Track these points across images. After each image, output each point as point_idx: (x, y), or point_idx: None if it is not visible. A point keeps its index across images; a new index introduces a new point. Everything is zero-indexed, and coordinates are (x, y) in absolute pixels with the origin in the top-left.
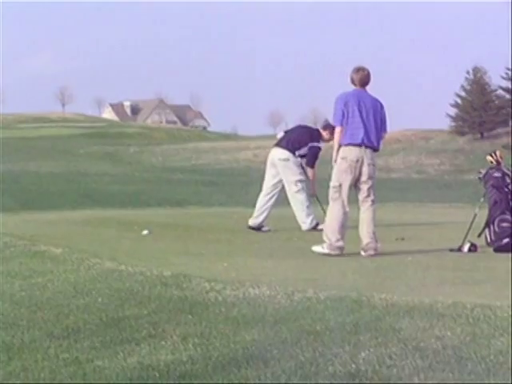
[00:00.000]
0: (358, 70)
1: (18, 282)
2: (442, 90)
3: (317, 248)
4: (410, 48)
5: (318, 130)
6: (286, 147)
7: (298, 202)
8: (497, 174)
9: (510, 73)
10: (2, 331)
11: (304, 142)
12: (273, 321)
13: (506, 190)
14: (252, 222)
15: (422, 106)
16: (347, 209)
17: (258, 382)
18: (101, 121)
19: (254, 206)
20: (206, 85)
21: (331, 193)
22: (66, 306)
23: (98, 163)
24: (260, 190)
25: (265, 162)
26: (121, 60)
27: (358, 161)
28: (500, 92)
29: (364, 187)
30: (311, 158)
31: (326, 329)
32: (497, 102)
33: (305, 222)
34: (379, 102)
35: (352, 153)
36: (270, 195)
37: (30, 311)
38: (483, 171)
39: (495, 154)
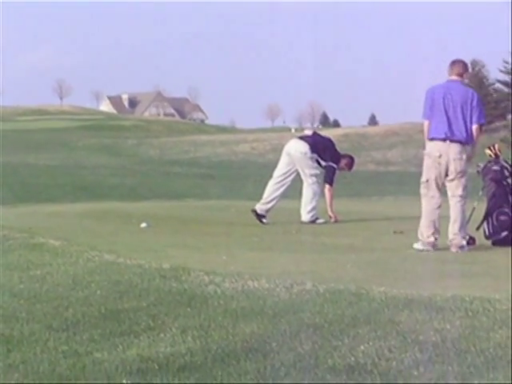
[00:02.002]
0: (454, 61)
1: (17, 275)
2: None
3: (416, 245)
4: (408, 42)
5: (340, 154)
6: (309, 143)
7: (310, 193)
8: (495, 168)
9: (508, 66)
10: (1, 324)
11: (324, 155)
12: (272, 313)
13: (505, 183)
14: (259, 207)
15: (420, 100)
16: (438, 205)
17: (257, 374)
18: (99, 113)
19: (252, 199)
20: (204, 78)
21: (421, 189)
22: (65, 299)
23: (96, 156)
24: (258, 183)
25: (262, 155)
26: (119, 53)
27: (441, 156)
28: (498, 85)
29: (452, 183)
30: (331, 176)
31: (325, 321)
32: (495, 96)
33: (307, 214)
34: (471, 92)
35: (435, 148)
36: (280, 184)
37: (28, 303)
38: (482, 164)
39: (494, 148)
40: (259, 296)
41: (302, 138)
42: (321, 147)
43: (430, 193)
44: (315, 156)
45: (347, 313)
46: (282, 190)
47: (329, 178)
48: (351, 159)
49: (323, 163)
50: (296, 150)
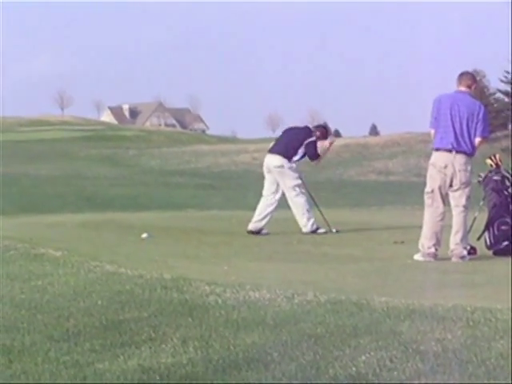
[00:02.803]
0: (463, 73)
1: (18, 285)
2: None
3: (416, 256)
4: (409, 51)
5: (308, 128)
6: (280, 153)
7: (297, 206)
8: (496, 177)
9: (508, 76)
10: (3, 334)
11: (298, 144)
12: (273, 324)
13: (506, 193)
14: (253, 226)
15: (421, 109)
16: (441, 216)
17: None
18: (100, 124)
19: (253, 209)
20: (205, 88)
21: (425, 199)
22: (66, 309)
23: (97, 166)
24: (259, 193)
25: (263, 165)
26: (120, 63)
27: (446, 166)
28: (499, 95)
29: (455, 194)
30: (313, 151)
31: (326, 332)
32: (496, 106)
33: (305, 225)
34: (479, 105)
35: (440, 158)
36: (272, 201)
37: (30, 314)
38: (483, 174)
39: (495, 158)
40: (260, 306)
41: (270, 151)
42: (288, 144)
43: (435, 203)
44: (294, 165)
45: (348, 323)
46: (274, 206)
47: (312, 154)
48: (324, 128)
49: (301, 150)
50: (274, 166)
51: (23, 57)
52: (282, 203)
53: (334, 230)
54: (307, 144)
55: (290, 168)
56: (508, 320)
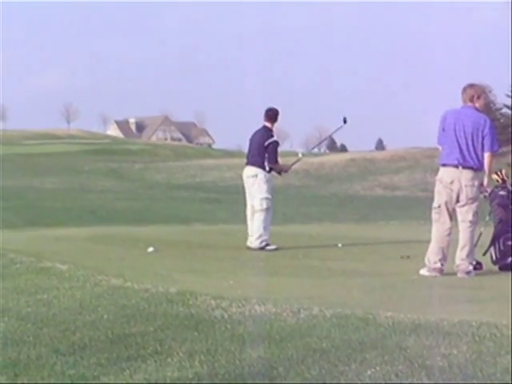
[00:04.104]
0: (465, 87)
1: (24, 299)
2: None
3: (422, 271)
4: (416, 65)
5: (265, 126)
6: (252, 163)
7: (257, 220)
8: (502, 193)
9: None
10: (9, 347)
11: (262, 147)
12: (279, 338)
13: None
14: (255, 245)
15: (427, 124)
16: (448, 231)
17: None
18: (106, 137)
19: None
20: (211, 102)
21: (432, 214)
22: (72, 323)
23: (103, 180)
24: None
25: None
26: (126, 77)
27: (452, 182)
28: (505, 110)
29: (462, 209)
30: (272, 156)
31: (331, 346)
32: (502, 121)
33: (255, 241)
34: (484, 119)
35: (447, 174)
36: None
37: (35, 327)
38: (489, 190)
39: (501, 173)
40: (266, 321)
41: (247, 161)
42: (255, 151)
43: (442, 218)
44: (267, 175)
45: (354, 338)
46: (269, 219)
47: (271, 159)
48: (270, 111)
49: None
50: (247, 176)
51: (30, 70)
52: (286, 218)
53: (339, 245)
54: (267, 146)
55: (263, 179)
56: None
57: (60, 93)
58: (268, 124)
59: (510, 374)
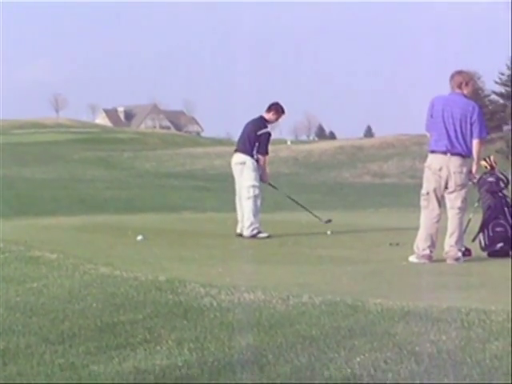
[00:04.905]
0: (453, 73)
1: (13, 288)
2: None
3: (411, 258)
4: (404, 52)
5: (261, 116)
6: (242, 150)
7: (245, 208)
8: (491, 179)
9: (503, 77)
10: None
11: (254, 136)
12: (268, 326)
13: (500, 194)
14: (246, 232)
15: (416, 111)
16: (437, 218)
17: None
18: (94, 126)
19: None
20: (200, 90)
21: (421, 201)
22: (61, 312)
23: (92, 169)
24: None
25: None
26: (115, 66)
27: (441, 169)
28: (493, 97)
29: (451, 196)
30: (263, 146)
31: (321, 333)
32: (490, 107)
33: (247, 229)
34: (472, 105)
35: (435, 161)
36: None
37: (25, 316)
38: (477, 176)
39: (489, 159)
40: (255, 308)
41: (236, 148)
42: (246, 139)
43: (430, 205)
44: (255, 163)
45: (343, 325)
46: (258, 206)
47: (261, 148)
48: (275, 106)
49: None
50: (235, 163)
51: (19, 60)
52: (274, 205)
53: (328, 233)
54: (259, 136)
55: (251, 166)
56: (502, 321)
57: (48, 82)
58: (267, 116)
59: (498, 360)
